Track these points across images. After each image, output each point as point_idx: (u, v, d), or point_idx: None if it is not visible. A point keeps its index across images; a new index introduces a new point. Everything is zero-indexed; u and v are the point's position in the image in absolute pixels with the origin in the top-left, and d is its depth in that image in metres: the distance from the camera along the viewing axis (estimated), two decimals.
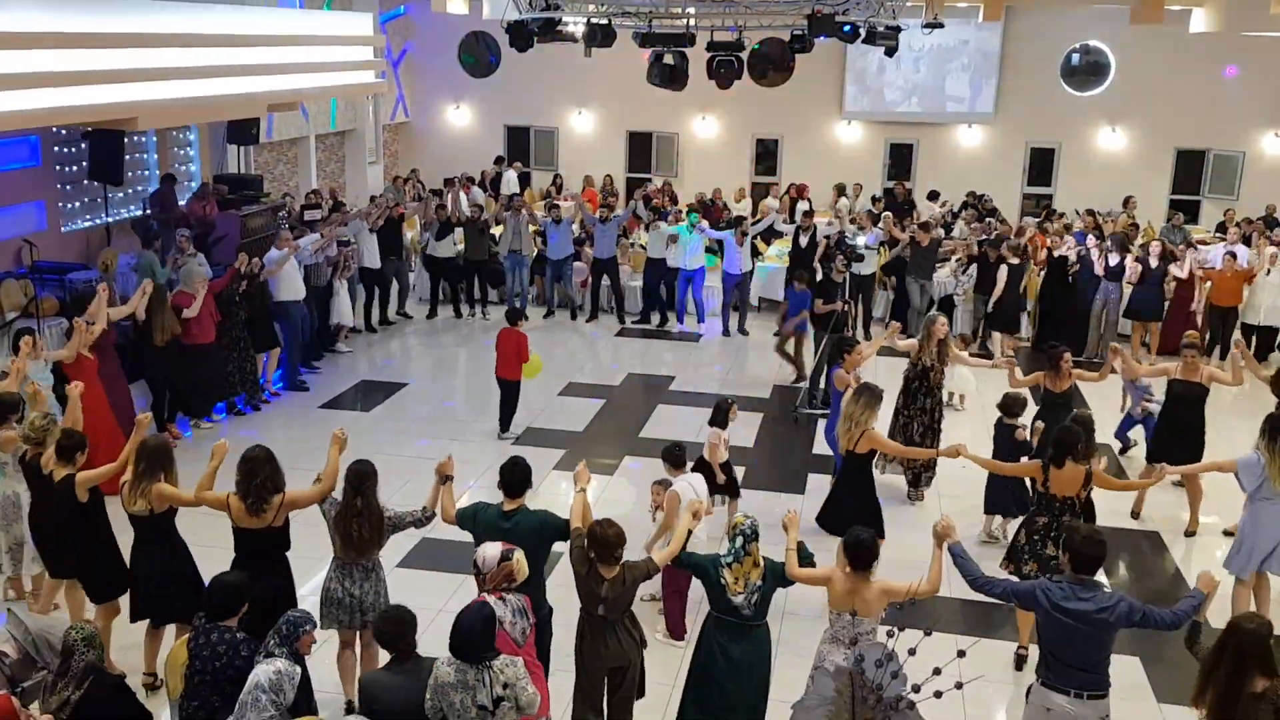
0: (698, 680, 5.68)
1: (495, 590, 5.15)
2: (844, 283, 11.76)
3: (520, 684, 4.71)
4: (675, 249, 14.95)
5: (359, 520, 5.87)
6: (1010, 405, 8.68)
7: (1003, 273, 13.64)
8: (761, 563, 5.54)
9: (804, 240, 14.89)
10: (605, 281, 15.54)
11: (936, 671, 4.80)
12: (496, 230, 15.77)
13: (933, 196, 18.44)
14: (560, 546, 5.92)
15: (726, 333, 15.01)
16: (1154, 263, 13.62)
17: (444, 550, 7.94)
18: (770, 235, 16.87)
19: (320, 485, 6.05)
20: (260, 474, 5.89)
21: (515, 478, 5.86)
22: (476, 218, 15.34)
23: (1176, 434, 9.01)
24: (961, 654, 4.82)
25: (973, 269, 14.16)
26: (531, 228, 15.43)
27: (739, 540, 5.52)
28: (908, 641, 5.06)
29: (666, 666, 6.81)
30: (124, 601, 6.53)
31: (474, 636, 4.69)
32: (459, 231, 15.11)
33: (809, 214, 15.68)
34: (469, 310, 15.54)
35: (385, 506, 6.01)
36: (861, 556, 5.45)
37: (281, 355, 11.97)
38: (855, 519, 7.58)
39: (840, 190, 19.37)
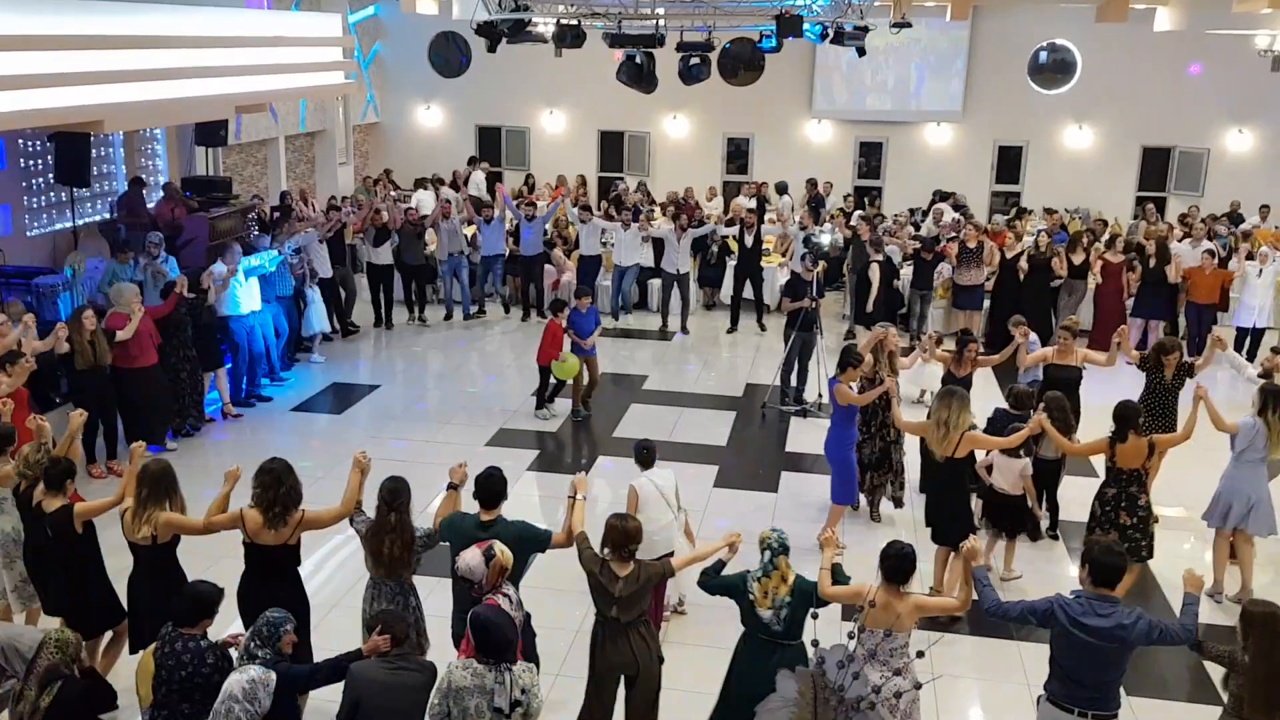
0: (734, 698, 5.62)
1: (494, 591, 5.13)
2: (812, 281, 11.81)
3: (534, 690, 4.74)
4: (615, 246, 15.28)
5: (391, 537, 5.80)
6: (1021, 400, 8.63)
7: (874, 270, 13.77)
8: (791, 578, 5.45)
9: (749, 240, 14.95)
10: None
11: (897, 673, 4.88)
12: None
13: (944, 197, 18.45)
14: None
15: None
16: (1153, 262, 13.72)
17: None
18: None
19: (339, 508, 5.97)
20: (284, 484, 5.77)
21: (490, 489, 5.82)
22: (415, 222, 15.02)
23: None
24: (920, 655, 4.88)
25: (944, 267, 14.28)
26: (470, 229, 15.58)
27: (766, 554, 5.45)
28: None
29: None
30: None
31: (503, 637, 4.70)
32: (396, 237, 14.84)
33: (753, 212, 15.74)
34: (410, 316, 15.23)
35: (419, 527, 5.95)
36: (900, 569, 5.29)
37: (228, 372, 11.54)
38: (960, 527, 7.50)
39: (781, 189, 19.43)
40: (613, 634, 5.55)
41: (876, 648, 5.26)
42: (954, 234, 14.82)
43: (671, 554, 6.60)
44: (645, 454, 7.27)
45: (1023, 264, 13.92)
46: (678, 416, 11.66)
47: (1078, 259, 13.95)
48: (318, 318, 13.34)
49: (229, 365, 11.53)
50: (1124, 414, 7.42)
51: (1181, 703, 6.77)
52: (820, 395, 11.81)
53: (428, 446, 10.55)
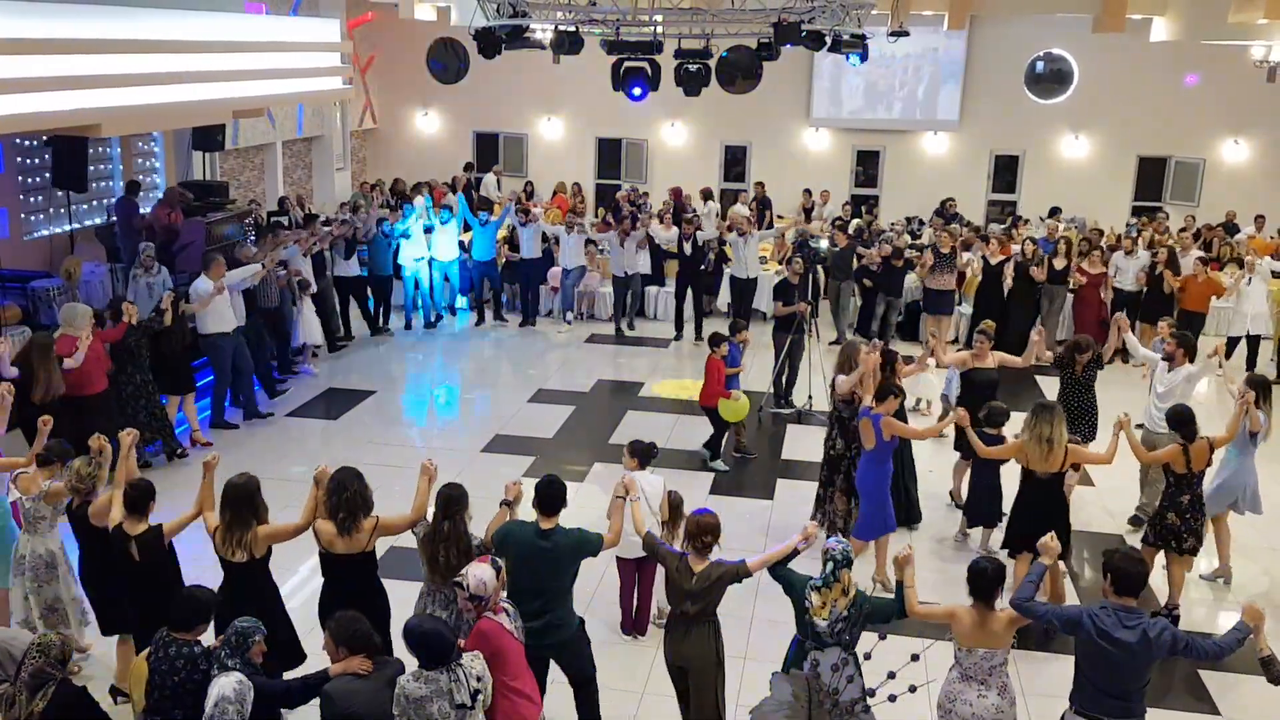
0: None
1: (498, 607, 5.09)
2: (801, 285, 11.85)
3: (488, 676, 4.80)
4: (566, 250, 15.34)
5: (445, 545, 5.78)
6: (995, 416, 8.48)
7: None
8: (852, 592, 5.39)
9: (688, 248, 14.96)
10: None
11: (891, 675, 4.87)
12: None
13: (1054, 213, 18.46)
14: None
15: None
16: (1159, 269, 13.75)
17: (415, 559, 7.90)
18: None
19: (411, 514, 5.96)
20: (348, 489, 5.73)
21: (551, 495, 5.78)
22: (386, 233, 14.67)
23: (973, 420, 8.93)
24: (915, 658, 4.88)
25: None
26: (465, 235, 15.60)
27: (829, 565, 5.41)
28: (863, 646, 5.11)
29: (630, 669, 6.85)
30: None
31: (444, 643, 4.71)
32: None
33: (690, 221, 15.65)
34: (382, 324, 14.96)
35: (473, 534, 5.92)
36: (984, 587, 5.23)
37: (208, 393, 11.11)
38: (1064, 542, 7.43)
39: (706, 195, 19.33)
40: (679, 628, 5.65)
41: (974, 667, 5.24)
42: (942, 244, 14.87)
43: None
44: (643, 454, 7.28)
45: (1009, 271, 14.02)
46: (674, 423, 11.64)
47: (1059, 264, 14.03)
48: (307, 330, 13.01)
49: (210, 380, 11.12)
50: (1184, 417, 7.49)
51: (1181, 713, 6.75)
52: (810, 397, 11.85)
53: (423, 452, 10.52)
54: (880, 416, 7.85)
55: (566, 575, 5.72)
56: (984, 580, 5.24)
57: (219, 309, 10.78)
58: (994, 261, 14.11)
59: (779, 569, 5.63)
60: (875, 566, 8.12)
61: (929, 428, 8.39)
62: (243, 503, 5.77)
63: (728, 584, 5.58)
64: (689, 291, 15.05)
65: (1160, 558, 7.71)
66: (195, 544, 6.10)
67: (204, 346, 10.88)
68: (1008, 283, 14.05)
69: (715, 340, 10.34)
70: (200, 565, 6.08)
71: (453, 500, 5.83)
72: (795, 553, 5.67)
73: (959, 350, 10.29)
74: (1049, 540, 5.37)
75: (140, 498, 5.91)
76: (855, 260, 14.69)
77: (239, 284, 11.27)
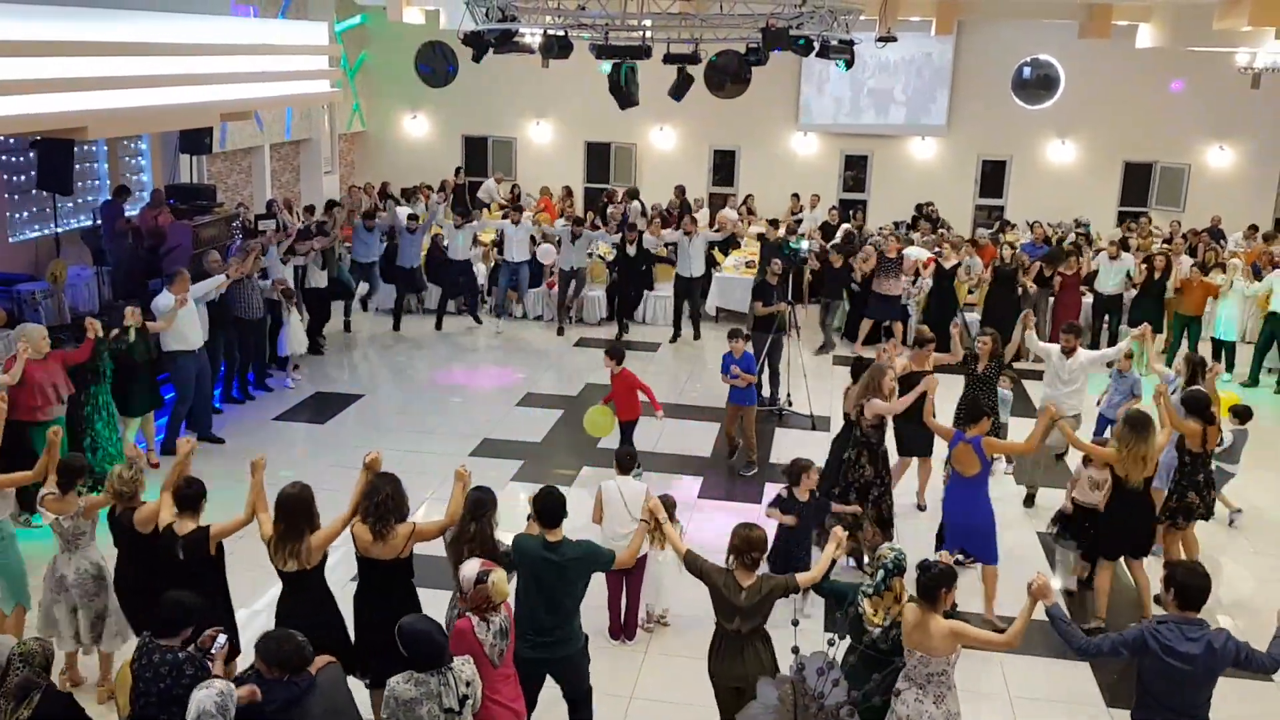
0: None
1: (476, 610, 5.09)
2: (780, 285, 11.89)
3: (476, 681, 4.80)
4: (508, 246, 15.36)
5: (470, 546, 5.74)
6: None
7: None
8: (905, 598, 5.31)
9: (632, 251, 15.09)
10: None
11: (880, 677, 4.89)
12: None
13: (1124, 222, 18.59)
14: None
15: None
16: (1156, 275, 13.86)
17: (423, 565, 7.87)
18: (728, 245, 17.01)
19: (445, 519, 5.92)
20: (381, 492, 5.67)
21: (550, 507, 5.69)
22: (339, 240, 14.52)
23: (909, 420, 8.98)
24: (902, 663, 4.88)
25: (922, 282, 14.39)
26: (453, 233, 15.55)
27: (880, 574, 5.34)
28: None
29: (618, 674, 6.84)
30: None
31: (434, 645, 4.71)
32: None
33: (633, 226, 15.54)
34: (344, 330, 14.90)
35: (501, 541, 5.86)
36: (925, 585, 5.08)
37: (164, 414, 10.48)
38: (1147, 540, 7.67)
39: (632, 195, 19.28)
40: (731, 647, 5.48)
41: (913, 669, 5.14)
42: (938, 248, 14.90)
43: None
44: (624, 460, 7.28)
45: (987, 275, 14.16)
46: (662, 427, 11.62)
47: (1047, 272, 14.10)
48: (293, 339, 12.72)
49: (171, 399, 10.54)
50: (1203, 402, 7.93)
51: None
52: (789, 394, 11.98)
53: (411, 456, 10.49)
54: (979, 439, 7.52)
55: (577, 589, 5.62)
56: (924, 578, 5.09)
57: (181, 327, 10.19)
58: (947, 265, 14.17)
59: (822, 583, 5.55)
60: (984, 604, 7.71)
61: (1030, 440, 7.74)
62: (297, 513, 5.70)
63: (778, 597, 5.45)
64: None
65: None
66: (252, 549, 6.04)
67: (166, 364, 10.34)
68: (960, 283, 14.24)
69: (617, 354, 10.09)
70: (265, 570, 5.98)
71: (480, 504, 5.84)
72: (834, 562, 5.63)
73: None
74: (1043, 580, 4.99)
75: (193, 497, 5.97)
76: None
77: (204, 296, 10.77)
